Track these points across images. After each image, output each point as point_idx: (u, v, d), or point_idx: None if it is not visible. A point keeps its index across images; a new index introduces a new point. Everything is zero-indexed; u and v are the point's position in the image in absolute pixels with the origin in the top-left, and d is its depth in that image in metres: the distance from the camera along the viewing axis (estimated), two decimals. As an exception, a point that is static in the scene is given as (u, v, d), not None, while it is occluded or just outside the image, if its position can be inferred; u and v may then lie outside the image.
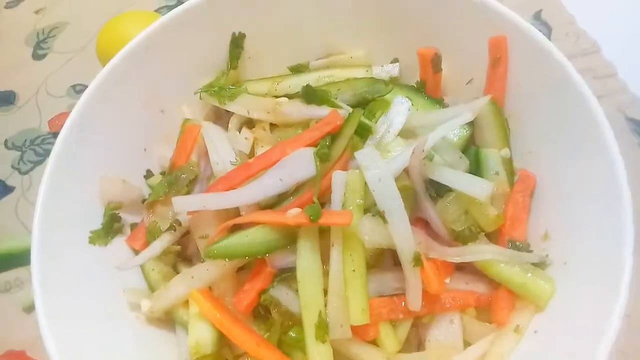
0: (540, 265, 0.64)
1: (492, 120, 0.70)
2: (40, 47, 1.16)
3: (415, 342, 0.68)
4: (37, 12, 1.19)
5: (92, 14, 1.17)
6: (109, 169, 0.74)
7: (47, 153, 1.04)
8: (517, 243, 0.66)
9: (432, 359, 0.64)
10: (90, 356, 0.61)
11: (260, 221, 0.63)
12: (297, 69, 0.82)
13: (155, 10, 1.16)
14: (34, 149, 1.05)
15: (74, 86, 1.10)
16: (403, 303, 0.64)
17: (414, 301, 0.63)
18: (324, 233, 0.63)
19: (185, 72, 0.79)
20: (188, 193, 0.73)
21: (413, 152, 0.62)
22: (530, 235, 0.68)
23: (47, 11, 1.19)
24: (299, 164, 0.64)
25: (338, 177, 0.63)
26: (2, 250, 0.94)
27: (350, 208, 0.62)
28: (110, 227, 0.72)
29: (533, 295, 0.62)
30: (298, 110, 0.71)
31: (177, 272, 0.72)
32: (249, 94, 0.77)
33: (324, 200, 0.64)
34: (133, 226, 0.76)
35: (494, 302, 0.65)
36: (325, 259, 0.63)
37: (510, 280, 0.63)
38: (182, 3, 0.75)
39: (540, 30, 0.95)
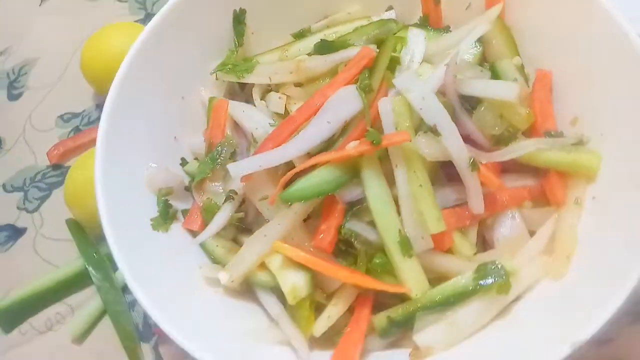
0: (579, 144, 0.70)
1: (499, 32, 0.76)
2: (13, 87, 1.13)
3: (482, 250, 0.72)
4: (1, 53, 1.16)
5: (61, 45, 1.15)
6: (149, 160, 0.74)
7: (51, 186, 1.02)
8: (552, 132, 0.72)
9: (507, 253, 0.68)
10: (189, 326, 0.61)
11: (323, 161, 0.65)
12: (300, 35, 0.85)
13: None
14: (36, 186, 1.02)
15: (61, 116, 1.08)
16: (467, 211, 0.68)
17: (477, 204, 0.67)
18: (383, 161, 0.66)
19: (197, 57, 0.81)
20: (231, 165, 0.74)
21: (448, 68, 0.67)
22: (560, 125, 0.74)
23: (13, 50, 1.16)
24: (344, 102, 0.67)
25: (385, 104, 0.66)
26: (32, 293, 0.91)
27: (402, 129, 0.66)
28: (167, 213, 0.72)
29: (583, 168, 0.67)
30: (323, 60, 0.74)
31: (240, 245, 0.73)
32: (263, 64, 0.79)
33: (375, 132, 0.67)
34: (184, 212, 0.75)
35: (548, 186, 0.70)
36: (390, 184, 0.66)
37: (559, 161, 0.68)
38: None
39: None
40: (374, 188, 0.65)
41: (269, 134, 0.71)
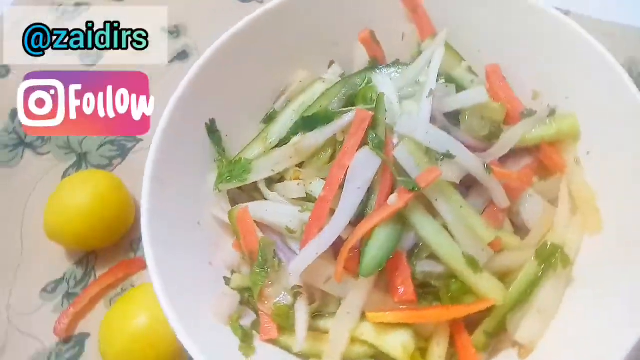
0: (552, 114, 0.81)
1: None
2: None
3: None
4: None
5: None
6: (199, 294, 0.74)
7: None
8: (525, 112, 0.82)
9: (543, 225, 0.77)
10: None
11: (373, 224, 0.70)
12: (270, 118, 0.89)
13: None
14: (53, 368, 0.95)
15: (44, 289, 1.01)
16: (495, 208, 0.76)
17: (503, 200, 0.75)
18: (420, 200, 0.72)
19: (197, 180, 0.82)
20: (279, 264, 0.76)
21: (433, 98, 0.74)
22: (525, 103, 0.84)
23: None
24: (365, 165, 0.72)
25: (401, 152, 0.72)
26: None
27: (422, 165, 0.72)
28: (247, 335, 0.73)
29: (568, 131, 0.78)
30: (319, 135, 0.78)
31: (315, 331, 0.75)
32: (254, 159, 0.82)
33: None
34: (255, 324, 0.76)
35: (545, 158, 0.80)
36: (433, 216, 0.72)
37: (545, 134, 0.79)
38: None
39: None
40: (426, 227, 0.71)
41: (305, 219, 0.74)
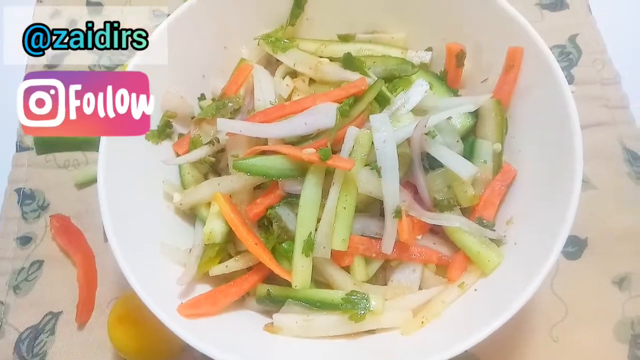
0: (496, 242, 0.77)
1: (494, 117, 0.82)
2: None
3: (381, 282, 0.83)
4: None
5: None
6: (172, 85, 0.90)
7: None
8: (484, 221, 0.79)
9: (389, 293, 0.78)
10: (132, 226, 0.78)
11: (281, 152, 0.78)
12: (344, 38, 0.95)
13: None
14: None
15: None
16: (379, 246, 0.78)
17: (387, 245, 0.77)
18: (329, 175, 0.77)
19: (251, 18, 0.93)
20: (231, 119, 0.88)
21: (417, 126, 0.76)
22: (498, 218, 0.81)
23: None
24: (323, 114, 0.78)
25: (351, 132, 0.77)
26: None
27: (355, 158, 0.76)
28: (163, 130, 0.89)
29: (483, 263, 0.75)
30: (335, 71, 0.85)
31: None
32: (299, 49, 0.91)
33: (335, 149, 0.77)
34: (180, 135, 0.92)
35: (451, 263, 0.78)
36: (324, 194, 0.77)
37: (468, 247, 0.77)
38: None
39: (570, 52, 1.06)
40: (309, 190, 0.77)
41: (263, 109, 0.84)
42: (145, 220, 0.81)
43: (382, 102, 0.81)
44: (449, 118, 0.82)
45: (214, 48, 0.93)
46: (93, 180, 1.04)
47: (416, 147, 0.78)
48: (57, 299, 0.98)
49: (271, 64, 0.96)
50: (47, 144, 1.12)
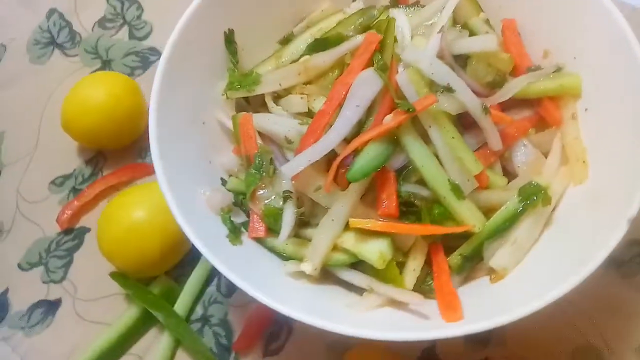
0: (557, 71, 0.83)
1: (464, -3, 0.88)
2: (-13, 168, 1.09)
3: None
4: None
5: (24, 114, 1.13)
6: (197, 186, 0.78)
7: (71, 251, 1.01)
8: (532, 67, 0.85)
9: (532, 173, 0.79)
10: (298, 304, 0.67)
11: (366, 140, 0.73)
12: (286, 40, 0.92)
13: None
14: (55, 255, 1.01)
15: (53, 181, 1.07)
16: (488, 150, 0.79)
17: (496, 142, 0.77)
18: (415, 126, 0.75)
19: (205, 82, 0.85)
20: (274, 171, 0.80)
21: (442, 35, 0.77)
22: (535, 61, 0.87)
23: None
24: (366, 84, 0.75)
25: (402, 78, 0.75)
26: (96, 354, 0.90)
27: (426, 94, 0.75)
28: (235, 228, 0.77)
29: (570, 88, 0.80)
30: (328, 55, 0.82)
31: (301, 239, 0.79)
32: (271, 69, 0.86)
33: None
34: (244, 225, 0.80)
35: (544, 111, 0.82)
36: (426, 144, 0.75)
37: (548, 88, 0.81)
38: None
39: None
40: (416, 150, 0.74)
41: (304, 131, 0.77)
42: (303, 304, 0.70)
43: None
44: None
45: (197, 130, 0.83)
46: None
47: (447, 54, 0.79)
48: None
49: (244, 109, 0.89)
50: None
